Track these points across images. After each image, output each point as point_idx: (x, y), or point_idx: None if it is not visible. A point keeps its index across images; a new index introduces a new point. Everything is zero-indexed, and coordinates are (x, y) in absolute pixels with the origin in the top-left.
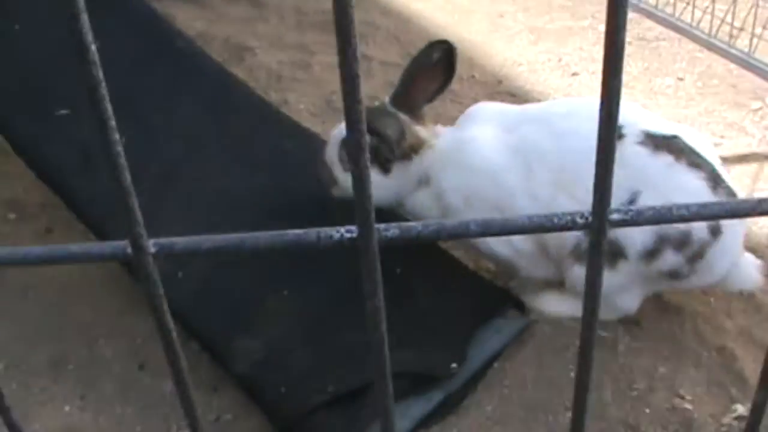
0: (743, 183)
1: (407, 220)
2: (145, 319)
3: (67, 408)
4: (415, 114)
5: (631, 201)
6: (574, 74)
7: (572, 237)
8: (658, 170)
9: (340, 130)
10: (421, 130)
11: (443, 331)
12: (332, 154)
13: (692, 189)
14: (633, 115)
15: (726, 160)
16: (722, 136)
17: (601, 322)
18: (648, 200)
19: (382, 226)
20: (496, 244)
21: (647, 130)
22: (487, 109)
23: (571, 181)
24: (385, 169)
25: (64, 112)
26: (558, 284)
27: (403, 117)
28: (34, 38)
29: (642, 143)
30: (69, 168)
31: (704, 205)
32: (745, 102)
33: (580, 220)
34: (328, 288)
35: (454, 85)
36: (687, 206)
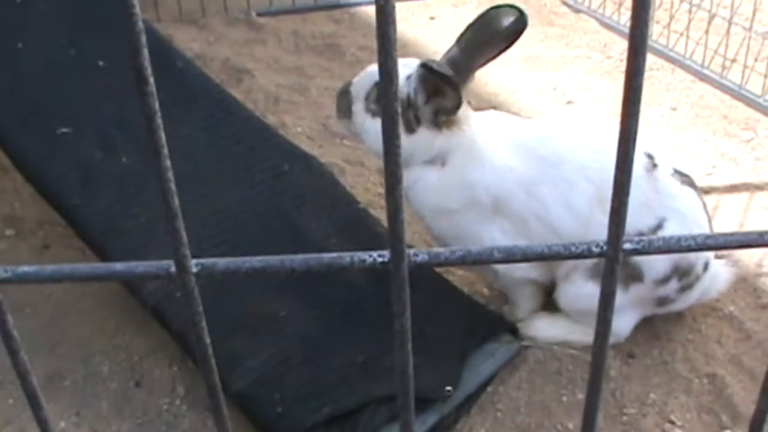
0: (734, 212)
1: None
2: (141, 337)
3: (62, 424)
4: (464, 83)
5: (658, 227)
6: (568, 102)
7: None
8: (685, 202)
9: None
10: (469, 109)
11: (438, 355)
12: (360, 89)
13: (703, 224)
14: (657, 152)
15: (717, 190)
16: (714, 166)
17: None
18: (675, 229)
19: (411, 251)
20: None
21: (672, 165)
22: (508, 120)
23: (609, 197)
24: (409, 128)
25: (65, 130)
26: (550, 309)
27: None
28: (38, 57)
29: (672, 176)
30: (69, 186)
31: (710, 236)
32: (737, 132)
33: (595, 249)
34: (324, 310)
35: None
36: (694, 237)
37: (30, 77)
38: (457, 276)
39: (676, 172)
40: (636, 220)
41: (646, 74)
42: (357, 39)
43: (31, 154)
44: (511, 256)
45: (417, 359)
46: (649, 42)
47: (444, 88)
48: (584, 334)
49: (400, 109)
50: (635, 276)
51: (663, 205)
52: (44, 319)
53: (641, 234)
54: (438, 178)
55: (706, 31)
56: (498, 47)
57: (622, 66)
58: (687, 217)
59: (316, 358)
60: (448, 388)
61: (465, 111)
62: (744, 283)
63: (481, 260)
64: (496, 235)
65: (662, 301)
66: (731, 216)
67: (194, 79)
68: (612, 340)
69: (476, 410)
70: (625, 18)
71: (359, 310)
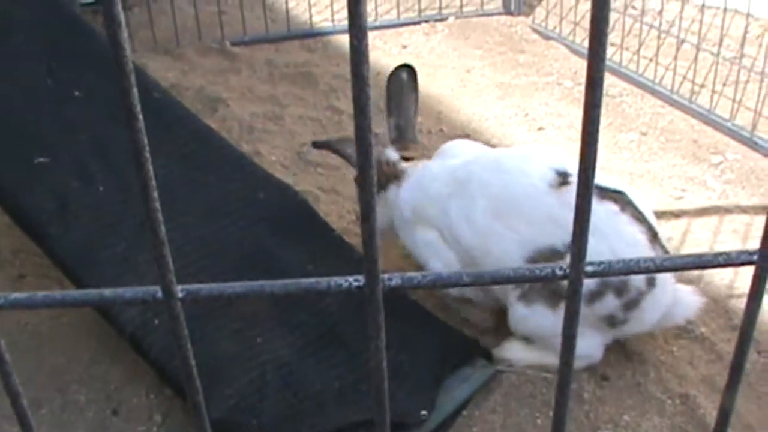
0: (704, 236)
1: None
2: (118, 365)
3: None
4: (405, 145)
5: None
6: (540, 129)
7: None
8: (602, 217)
9: None
10: (402, 162)
11: (413, 380)
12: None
13: (632, 239)
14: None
15: (687, 214)
16: (684, 190)
17: None
18: (591, 244)
19: (386, 276)
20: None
21: (596, 182)
22: (463, 146)
23: (510, 213)
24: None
25: (42, 159)
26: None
27: (390, 150)
28: (15, 86)
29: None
30: (45, 215)
31: (668, 258)
32: (706, 156)
33: (559, 272)
34: (300, 336)
35: (423, 138)
36: (653, 259)
37: (6, 107)
38: (431, 302)
39: (596, 186)
40: (546, 236)
41: (617, 100)
42: (330, 67)
43: (7, 184)
44: (479, 279)
45: (392, 384)
46: (619, 68)
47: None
48: (553, 360)
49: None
50: (561, 293)
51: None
52: (20, 348)
53: (555, 250)
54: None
55: (675, 57)
56: (414, 95)
57: None
58: (604, 231)
59: (293, 384)
60: (424, 412)
61: (412, 164)
62: (715, 304)
63: (451, 283)
64: (428, 241)
65: (611, 321)
66: (701, 240)
67: (170, 109)
68: (585, 362)
69: None
70: None
71: (335, 337)
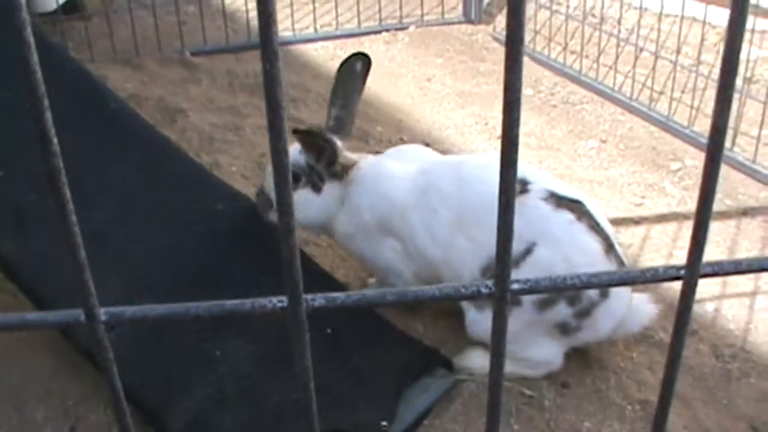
0: (663, 242)
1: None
2: (76, 381)
3: None
4: (346, 136)
5: (527, 251)
6: (499, 137)
7: (469, 278)
8: (558, 226)
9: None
10: (351, 154)
11: (373, 390)
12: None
13: (587, 249)
14: (541, 176)
15: (647, 220)
16: (643, 197)
17: (526, 381)
18: (545, 253)
19: (309, 296)
20: (396, 279)
21: (552, 190)
22: (414, 151)
23: (470, 223)
24: (317, 188)
25: None
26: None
27: (336, 140)
28: None
29: (545, 200)
30: (1, 228)
31: (594, 275)
32: (665, 163)
33: (484, 290)
34: (258, 350)
35: (383, 147)
36: (579, 276)
37: None
38: (391, 312)
39: (553, 195)
40: None
41: (577, 107)
42: (290, 77)
43: None
44: (402, 298)
45: (353, 394)
46: (579, 76)
47: (319, 144)
48: (518, 366)
49: (304, 178)
50: (514, 299)
51: (531, 229)
52: None
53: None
54: (345, 214)
55: (634, 65)
56: (361, 88)
57: (553, 100)
58: (560, 239)
59: (252, 397)
60: (384, 423)
61: (358, 156)
62: (673, 310)
63: (375, 303)
64: (388, 253)
65: (564, 329)
66: (660, 246)
67: (128, 120)
68: (545, 369)
69: None
70: (555, 53)
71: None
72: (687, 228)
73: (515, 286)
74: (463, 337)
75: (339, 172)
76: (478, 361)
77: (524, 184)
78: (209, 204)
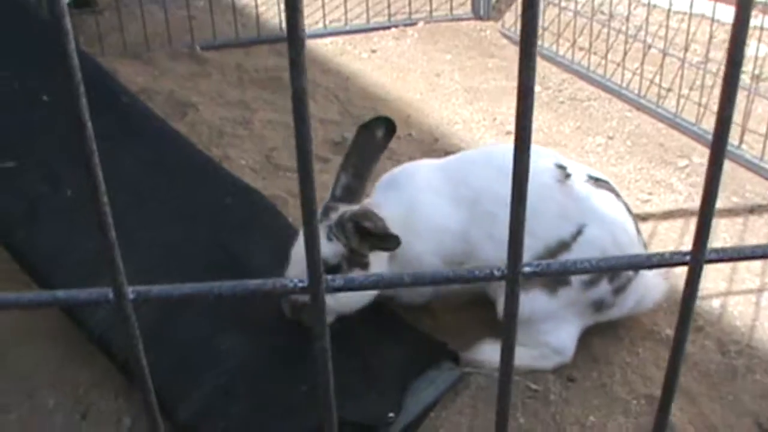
0: (671, 238)
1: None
2: (87, 369)
3: None
4: (361, 196)
5: (578, 233)
6: (508, 133)
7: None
8: (603, 206)
9: (300, 247)
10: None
11: (381, 382)
12: (299, 270)
13: (628, 228)
14: (572, 163)
15: (654, 216)
16: (650, 193)
17: (533, 375)
18: (596, 232)
19: (329, 277)
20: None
21: (588, 172)
22: (408, 171)
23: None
24: (364, 266)
25: (10, 164)
26: (495, 335)
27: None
28: None
29: (587, 182)
30: (14, 220)
31: (603, 260)
32: (673, 160)
33: (497, 273)
34: (267, 342)
35: (392, 143)
36: (588, 260)
37: None
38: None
39: (591, 177)
40: (555, 230)
41: (585, 104)
42: None
43: None
44: (419, 280)
45: (360, 387)
46: (587, 72)
47: (383, 238)
48: (526, 360)
49: (345, 264)
50: (562, 280)
51: (580, 211)
52: None
53: (563, 242)
54: (397, 266)
55: (642, 62)
56: (378, 155)
57: (561, 96)
58: (606, 219)
59: (260, 389)
60: (391, 414)
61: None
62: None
63: (392, 284)
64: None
65: (599, 306)
66: (667, 242)
67: (139, 113)
68: (557, 360)
69: None
70: (563, 49)
71: (302, 341)
72: (694, 224)
73: (526, 269)
74: (469, 331)
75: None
76: (487, 354)
77: (562, 168)
78: (219, 197)
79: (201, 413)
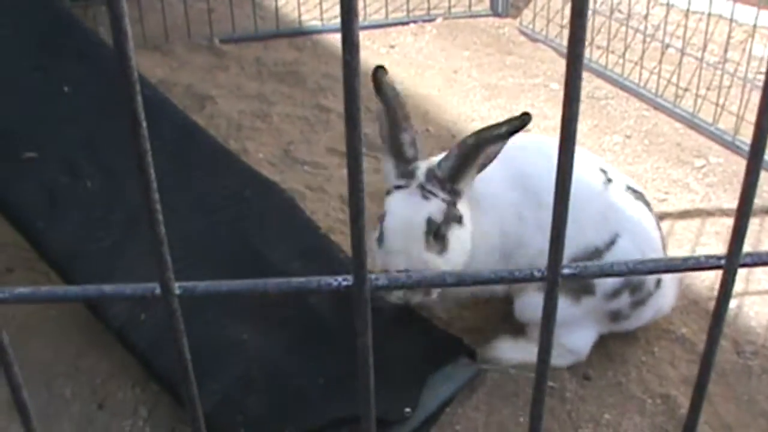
0: (687, 237)
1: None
2: (105, 359)
3: None
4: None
5: (611, 243)
6: (525, 131)
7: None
8: (638, 219)
9: (394, 220)
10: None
11: (397, 377)
12: (397, 242)
13: (657, 243)
14: (612, 169)
15: (670, 216)
16: (667, 193)
17: (549, 373)
18: (626, 245)
19: (373, 275)
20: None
21: (627, 182)
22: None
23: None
24: (459, 219)
25: (31, 155)
26: (512, 332)
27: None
28: (4, 81)
29: (626, 191)
30: (34, 209)
31: (640, 262)
32: (690, 160)
33: (537, 274)
34: (285, 333)
35: None
36: (626, 263)
37: None
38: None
39: (629, 188)
40: (593, 235)
41: (602, 102)
42: (319, 66)
43: None
44: (462, 281)
45: (377, 382)
46: (605, 71)
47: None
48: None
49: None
50: (587, 289)
51: (617, 221)
52: (6, 342)
53: (597, 249)
54: (466, 237)
55: (660, 61)
56: (402, 100)
57: None
58: (638, 232)
59: (278, 381)
60: (407, 409)
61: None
62: (696, 306)
63: (434, 284)
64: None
65: (615, 316)
66: (684, 241)
67: (158, 105)
68: (572, 359)
69: (435, 431)
70: None
71: (320, 334)
72: (710, 224)
73: (566, 270)
74: (486, 327)
75: (459, 189)
76: (503, 351)
77: (605, 173)
78: (237, 190)
79: (221, 404)
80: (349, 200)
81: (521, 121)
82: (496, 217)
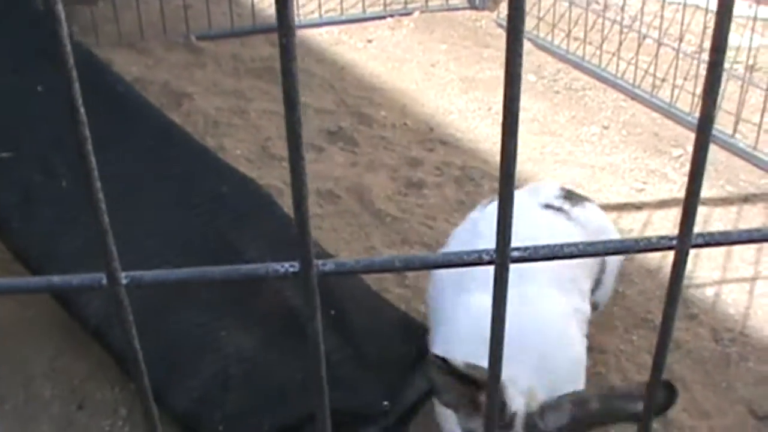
0: (665, 227)
1: None
2: (83, 359)
3: None
4: None
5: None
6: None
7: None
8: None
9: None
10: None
11: (376, 371)
12: None
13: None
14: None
15: (648, 206)
16: (645, 183)
17: None
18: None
19: (319, 261)
20: None
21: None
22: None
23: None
24: None
25: (5, 154)
26: None
27: None
28: None
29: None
30: (8, 209)
31: (591, 244)
32: (667, 149)
33: (486, 257)
34: (262, 330)
35: (387, 132)
36: (576, 245)
37: None
38: (394, 294)
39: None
40: None
41: (579, 93)
42: None
43: None
44: (409, 265)
45: (355, 375)
46: (582, 62)
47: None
48: None
49: None
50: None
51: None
52: None
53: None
54: None
55: (637, 52)
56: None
57: (555, 86)
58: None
59: (256, 377)
60: (386, 402)
61: None
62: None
63: (383, 269)
64: None
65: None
66: (662, 231)
67: (134, 103)
68: None
69: (415, 424)
70: (558, 39)
71: (297, 329)
72: None
73: (515, 253)
74: None
75: None
76: None
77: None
78: (214, 187)
79: (197, 402)
80: (291, 185)
81: (668, 400)
82: None
